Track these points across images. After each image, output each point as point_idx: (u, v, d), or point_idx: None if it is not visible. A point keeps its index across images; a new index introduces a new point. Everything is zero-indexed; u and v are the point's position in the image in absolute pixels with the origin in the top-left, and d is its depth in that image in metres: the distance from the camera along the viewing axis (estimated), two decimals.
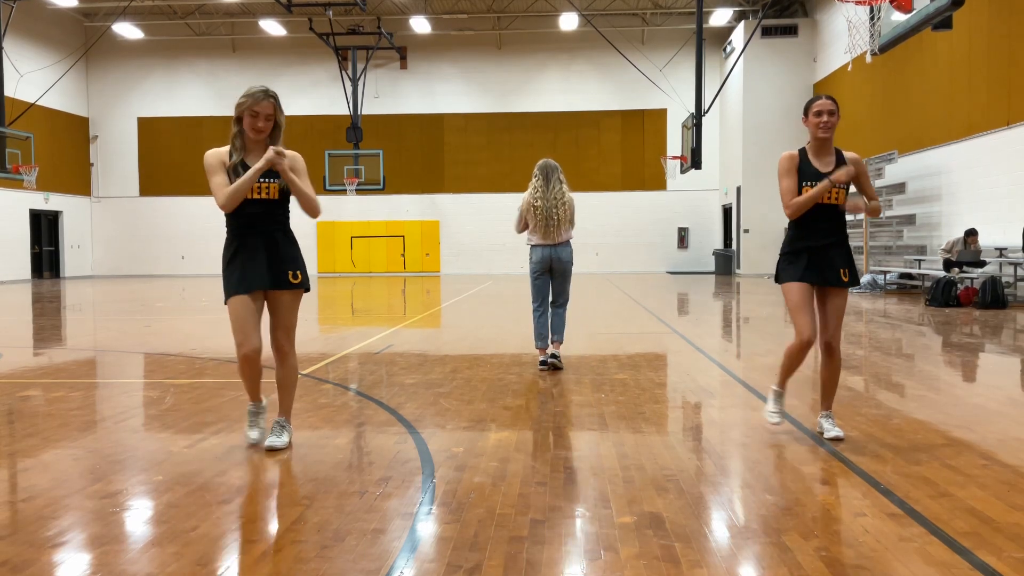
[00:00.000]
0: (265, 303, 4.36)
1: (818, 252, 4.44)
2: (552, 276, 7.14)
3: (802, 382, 6.45)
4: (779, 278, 4.58)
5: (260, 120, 4.19)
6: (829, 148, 4.47)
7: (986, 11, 15.84)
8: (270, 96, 4.22)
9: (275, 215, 4.31)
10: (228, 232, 4.31)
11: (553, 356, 7.12)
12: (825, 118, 4.38)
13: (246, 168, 4.21)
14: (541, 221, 6.96)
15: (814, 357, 8.19)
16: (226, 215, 4.28)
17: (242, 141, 4.27)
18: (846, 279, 4.45)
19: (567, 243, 7.11)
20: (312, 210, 4.34)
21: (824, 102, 4.42)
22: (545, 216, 6.94)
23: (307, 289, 4.44)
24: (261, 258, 4.24)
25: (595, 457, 4.17)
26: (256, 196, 4.22)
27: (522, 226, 7.17)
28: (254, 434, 4.44)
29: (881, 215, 4.66)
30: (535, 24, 31.07)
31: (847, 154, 4.47)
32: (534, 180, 7.09)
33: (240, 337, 4.24)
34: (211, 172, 4.24)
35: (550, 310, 7.24)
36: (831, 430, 4.49)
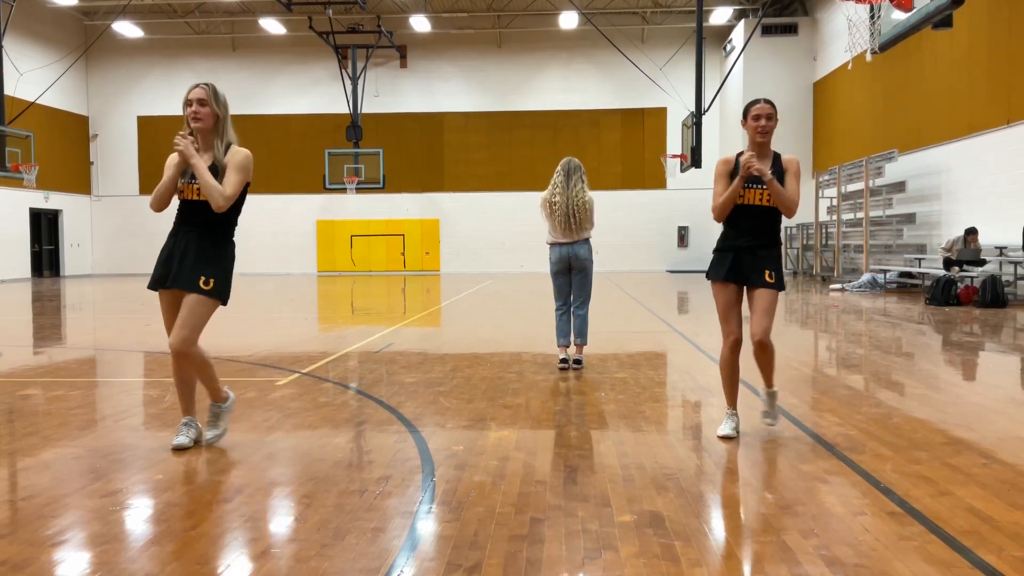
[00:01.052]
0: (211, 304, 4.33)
1: (745, 252, 4.45)
2: (572, 274, 7.13)
3: (803, 381, 6.46)
4: (708, 275, 4.63)
5: (194, 105, 4.22)
6: (767, 151, 4.48)
7: (986, 10, 15.84)
8: (202, 84, 4.28)
9: (209, 217, 4.23)
10: (172, 224, 4.35)
11: (576, 361, 7.09)
12: (763, 122, 4.40)
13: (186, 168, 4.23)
14: (560, 219, 6.94)
15: (814, 356, 8.19)
16: (176, 210, 4.33)
17: (194, 141, 4.27)
18: (771, 281, 4.43)
19: (585, 241, 7.06)
20: (210, 199, 4.15)
21: (762, 106, 4.43)
22: (565, 214, 6.92)
23: (221, 301, 4.27)
24: (177, 257, 4.23)
25: (595, 456, 4.17)
26: (191, 197, 4.24)
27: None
28: (180, 439, 4.32)
29: (790, 218, 4.65)
30: (535, 23, 31.07)
31: (785, 157, 4.48)
32: (555, 177, 7.09)
33: (167, 332, 4.28)
34: (164, 171, 4.29)
35: (573, 311, 7.19)
36: (767, 410, 4.65)
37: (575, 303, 7.19)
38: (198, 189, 4.21)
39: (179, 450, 4.29)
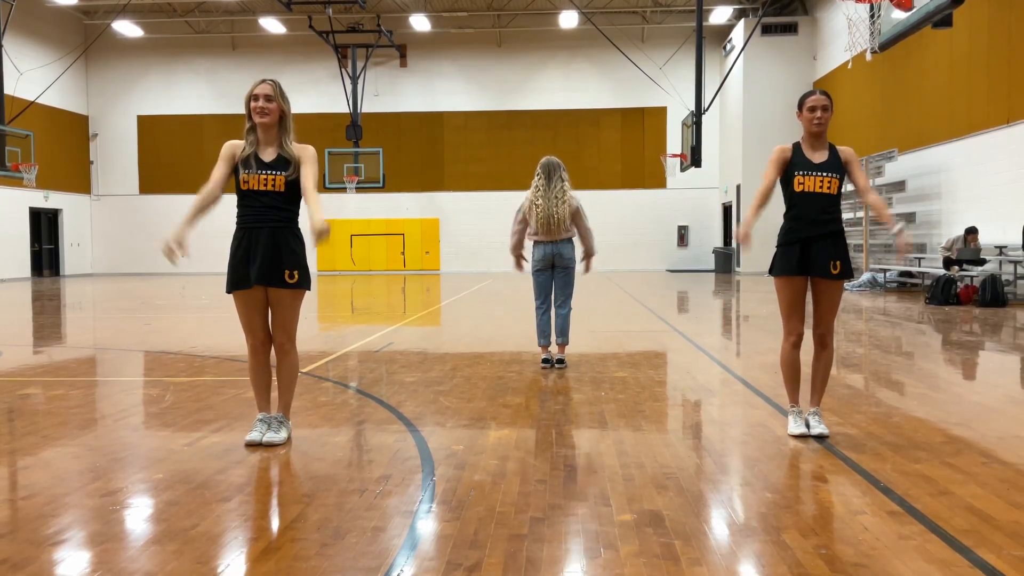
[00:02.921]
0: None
1: (811, 243, 4.43)
2: (554, 273, 7.12)
3: (803, 380, 6.44)
4: (772, 270, 4.58)
5: (260, 100, 4.24)
6: (823, 142, 4.50)
7: (986, 9, 15.83)
8: (268, 80, 4.32)
9: (280, 209, 4.31)
10: (236, 222, 4.35)
11: (559, 361, 7.10)
12: (819, 114, 4.42)
13: (258, 160, 4.27)
14: (542, 220, 6.92)
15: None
16: (237, 204, 4.32)
17: (255, 136, 4.32)
18: (836, 271, 4.41)
19: (569, 240, 7.05)
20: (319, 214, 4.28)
21: (818, 97, 4.44)
22: (546, 215, 6.91)
23: (307, 288, 4.43)
24: (258, 254, 4.25)
25: (595, 455, 4.17)
26: (262, 187, 4.26)
27: (519, 222, 7.10)
28: (253, 435, 4.43)
29: (888, 213, 4.69)
30: (535, 22, 31.05)
31: (841, 148, 4.49)
32: (536, 179, 7.05)
33: (245, 331, 4.39)
34: (219, 160, 4.33)
35: (553, 311, 7.21)
36: (817, 427, 4.50)
37: (557, 302, 7.17)
38: (265, 179, 4.24)
39: (252, 445, 4.34)
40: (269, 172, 4.25)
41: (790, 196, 4.50)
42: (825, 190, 4.40)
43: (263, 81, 4.31)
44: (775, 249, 4.58)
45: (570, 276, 7.13)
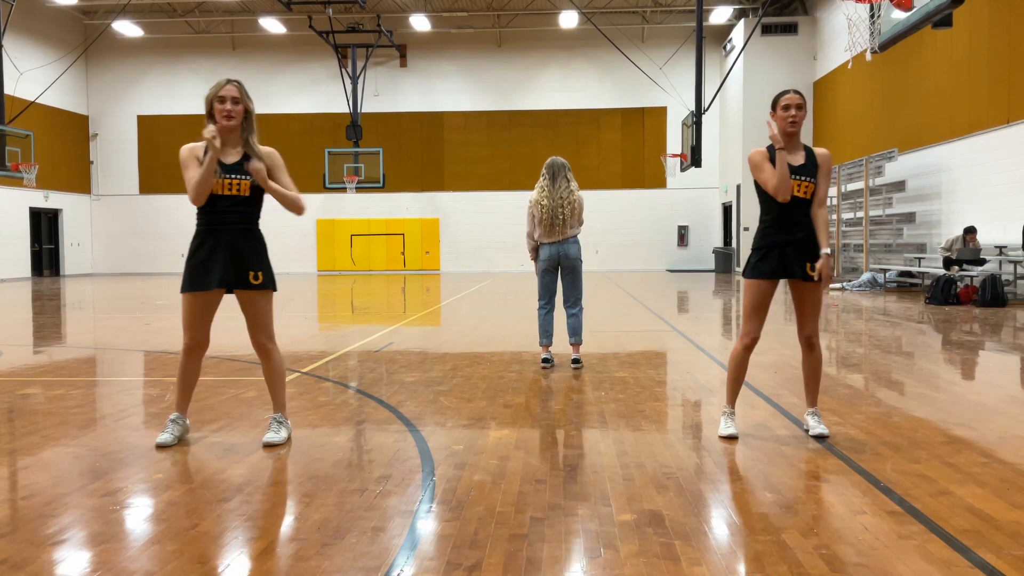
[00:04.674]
0: (223, 301, 4.43)
1: (787, 248, 4.40)
2: (561, 273, 7.11)
3: (802, 380, 6.45)
4: (746, 272, 4.57)
5: (228, 103, 4.20)
6: (797, 143, 4.44)
7: (986, 9, 15.83)
8: (233, 81, 4.28)
9: (244, 213, 4.29)
10: (197, 225, 4.33)
11: (575, 360, 7.09)
12: (793, 112, 4.34)
13: (220, 163, 4.22)
14: (547, 220, 6.92)
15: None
16: (197, 209, 4.30)
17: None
18: (812, 273, 4.39)
19: (574, 239, 7.05)
20: (295, 210, 4.33)
21: (792, 96, 4.37)
22: (551, 215, 6.91)
23: (273, 288, 4.42)
24: (222, 256, 4.24)
25: (595, 455, 4.17)
26: (226, 192, 4.23)
27: (532, 226, 7.11)
28: (164, 436, 4.37)
29: (826, 239, 4.67)
30: (535, 22, 31.05)
31: (818, 151, 4.43)
32: (541, 179, 7.05)
33: (185, 329, 4.38)
34: (184, 167, 4.28)
35: (566, 312, 7.18)
36: (816, 427, 4.50)
37: (567, 303, 7.16)
38: (230, 183, 4.21)
39: (163, 447, 4.32)
40: (233, 176, 4.22)
41: (766, 200, 4.46)
42: (801, 194, 4.35)
43: (228, 82, 4.25)
44: (750, 251, 4.58)
45: (578, 276, 7.12)
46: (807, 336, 4.51)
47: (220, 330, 10.33)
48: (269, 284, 4.38)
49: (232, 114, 4.21)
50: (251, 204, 4.31)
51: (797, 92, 4.41)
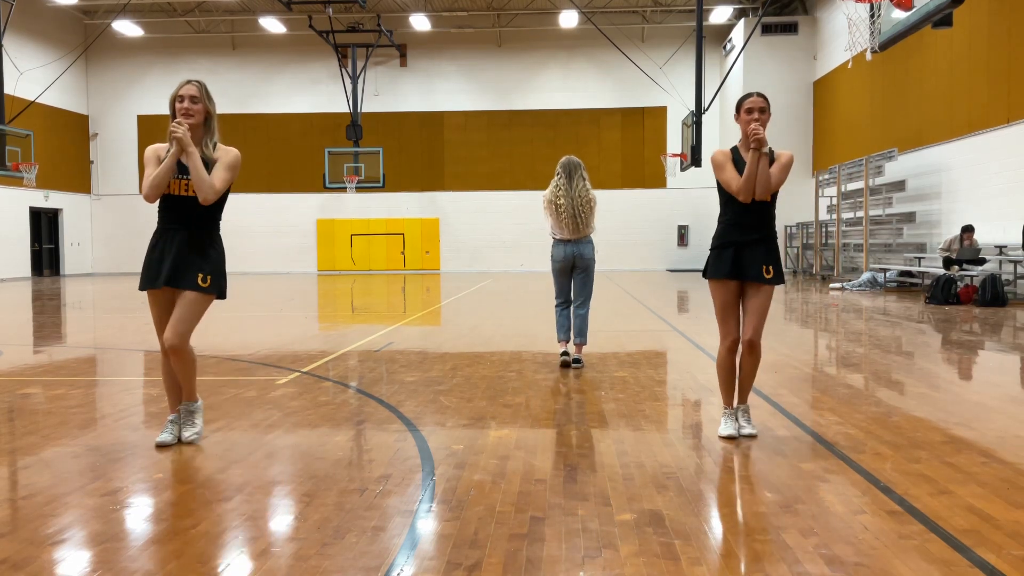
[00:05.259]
0: (213, 302, 4.40)
1: (743, 248, 4.41)
2: (574, 272, 7.14)
3: (802, 379, 6.46)
4: (705, 273, 4.58)
5: (186, 101, 4.20)
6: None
7: (986, 9, 15.83)
8: (194, 81, 4.28)
9: (199, 214, 4.27)
10: (157, 222, 4.34)
11: (576, 361, 7.11)
12: (756, 115, 4.37)
13: (179, 163, 4.22)
14: (567, 219, 6.95)
15: (814, 355, 8.18)
16: (157, 208, 4.31)
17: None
18: (769, 275, 4.40)
19: (589, 239, 7.10)
20: (200, 191, 4.16)
21: (755, 99, 4.39)
22: (571, 214, 6.93)
23: (220, 296, 4.37)
24: (171, 255, 4.23)
25: (595, 455, 4.17)
26: (181, 192, 4.23)
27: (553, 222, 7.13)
28: (164, 436, 4.38)
29: (759, 198, 4.58)
30: (535, 21, 31.05)
31: (779, 153, 4.44)
32: (556, 178, 7.08)
33: (157, 332, 4.34)
34: (146, 163, 4.27)
35: (573, 310, 7.22)
36: (747, 427, 4.55)
37: (576, 302, 7.20)
38: (186, 184, 4.21)
39: (163, 447, 4.32)
40: (184, 177, 4.22)
41: (726, 200, 4.48)
42: (760, 198, 4.37)
43: (189, 82, 4.25)
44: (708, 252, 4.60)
45: (589, 276, 7.17)
46: (749, 340, 4.47)
47: (220, 330, 10.36)
48: (214, 290, 4.31)
49: (190, 112, 4.21)
50: (206, 206, 4.26)
51: (760, 95, 4.43)
